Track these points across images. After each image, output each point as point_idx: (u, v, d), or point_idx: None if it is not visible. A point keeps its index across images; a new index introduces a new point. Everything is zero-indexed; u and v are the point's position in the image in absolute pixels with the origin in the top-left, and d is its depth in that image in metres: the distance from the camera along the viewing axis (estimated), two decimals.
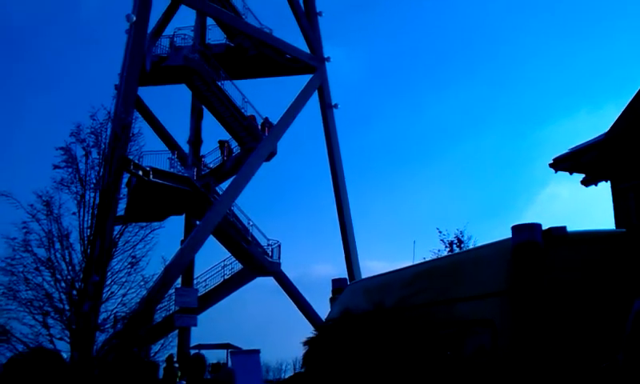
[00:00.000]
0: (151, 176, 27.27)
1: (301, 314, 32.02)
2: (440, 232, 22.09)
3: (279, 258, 32.17)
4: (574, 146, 15.91)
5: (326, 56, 35.66)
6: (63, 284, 17.92)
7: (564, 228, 3.30)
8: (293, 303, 32.44)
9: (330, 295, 5.82)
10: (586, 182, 16.16)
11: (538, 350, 2.99)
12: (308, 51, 35.12)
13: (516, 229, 3.24)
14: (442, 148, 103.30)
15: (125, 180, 23.56)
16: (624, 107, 14.69)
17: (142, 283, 19.11)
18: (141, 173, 26.49)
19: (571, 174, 16.22)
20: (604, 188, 15.86)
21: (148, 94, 33.65)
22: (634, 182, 14.87)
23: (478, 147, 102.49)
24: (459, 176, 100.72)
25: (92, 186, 19.07)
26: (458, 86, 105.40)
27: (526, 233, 3.19)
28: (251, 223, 31.66)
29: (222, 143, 33.01)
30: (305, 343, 1.06)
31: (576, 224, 3.60)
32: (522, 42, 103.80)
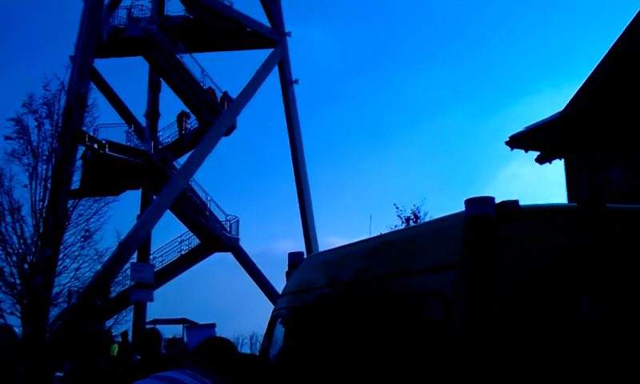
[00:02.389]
0: (107, 149, 26.82)
1: (259, 289, 32.08)
2: (397, 208, 22.28)
3: (237, 233, 32.11)
4: (529, 124, 16.15)
5: (287, 31, 35.40)
6: (14, 258, 17.57)
7: (516, 202, 3.32)
8: (251, 279, 32.47)
9: (287, 269, 5.80)
10: (540, 160, 16.44)
11: (489, 321, 3.02)
12: (269, 25, 34.82)
13: (469, 202, 3.25)
14: (407, 126, 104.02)
15: (79, 153, 23.15)
16: (579, 87, 14.95)
17: (96, 257, 18.87)
18: (96, 146, 26.03)
19: (527, 151, 16.48)
20: (558, 166, 16.17)
21: (104, 65, 32.99)
22: (586, 159, 15.18)
23: (442, 126, 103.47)
24: (422, 154, 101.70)
25: (44, 157, 18.67)
26: (427, 65, 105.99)
27: (479, 206, 3.20)
28: (209, 198, 31.49)
29: (180, 116, 32.60)
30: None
31: (534, 201, 3.64)
32: (490, 21, 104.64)
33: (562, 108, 15.05)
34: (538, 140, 15.72)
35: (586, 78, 14.59)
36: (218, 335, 21.13)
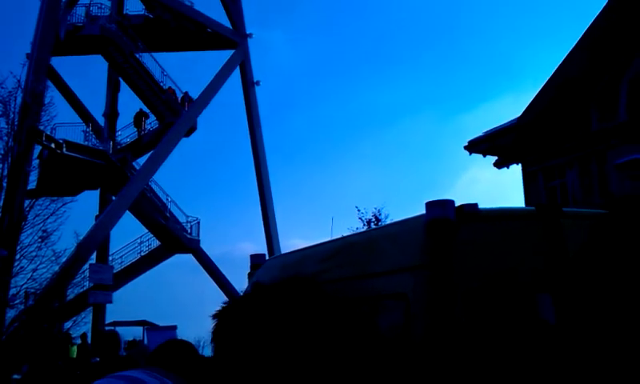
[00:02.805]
0: (64, 149, 26.34)
1: (221, 291, 31.90)
2: (359, 210, 22.46)
3: (198, 235, 31.90)
4: (487, 129, 16.44)
5: (248, 32, 35.33)
6: None
7: (476, 205, 3.39)
8: (213, 281, 32.27)
9: (249, 271, 5.82)
10: (498, 165, 16.75)
11: (448, 323, 3.09)
12: (230, 26, 34.69)
13: (429, 205, 3.31)
14: (369, 131, 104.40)
15: (36, 152, 22.74)
16: (535, 94, 15.28)
17: (54, 258, 18.64)
18: (53, 145, 25.56)
19: (485, 156, 16.77)
20: (516, 170, 16.50)
21: (62, 64, 32.47)
22: (542, 164, 15.52)
23: (404, 131, 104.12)
24: (384, 158, 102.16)
25: (0, 156, 18.31)
26: (389, 70, 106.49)
27: (439, 209, 3.26)
28: (170, 199, 31.20)
29: (139, 115, 32.22)
30: (214, 316, 1.03)
31: (493, 204, 3.72)
32: (453, 27, 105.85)
33: (520, 114, 15.37)
34: (496, 145, 16.02)
35: (542, 86, 14.93)
36: (179, 337, 21.02)
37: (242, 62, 34.87)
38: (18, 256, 17.86)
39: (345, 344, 1.12)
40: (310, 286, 1.15)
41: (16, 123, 18.92)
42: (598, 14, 13.82)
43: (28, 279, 17.97)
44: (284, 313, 1.06)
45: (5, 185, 18.08)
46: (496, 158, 16.67)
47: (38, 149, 23.33)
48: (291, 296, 1.10)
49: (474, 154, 16.52)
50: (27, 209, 18.46)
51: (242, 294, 6.06)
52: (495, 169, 16.64)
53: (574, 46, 14.16)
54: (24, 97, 19.90)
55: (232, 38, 34.24)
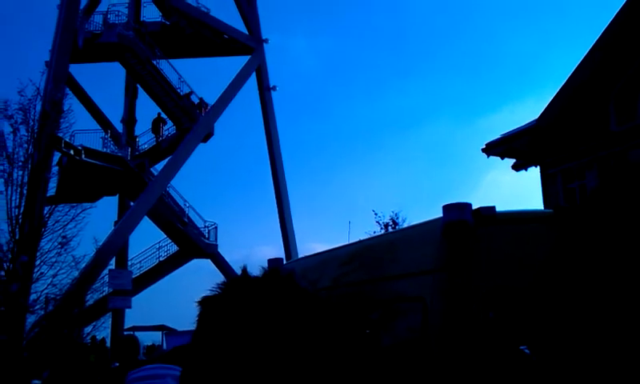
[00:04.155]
0: (83, 155, 26.60)
1: None
2: (376, 214, 22.42)
3: (216, 239, 31.99)
4: (505, 131, 16.35)
5: (264, 37, 35.44)
6: None
7: (493, 208, 3.39)
8: None
9: None
10: (516, 167, 16.65)
11: (467, 325, 3.08)
12: (247, 32, 34.82)
13: (447, 208, 3.32)
14: (387, 135, 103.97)
15: (56, 159, 22.98)
16: (554, 95, 15.19)
17: (73, 264, 18.75)
18: (72, 152, 25.82)
19: (502, 158, 16.68)
20: (535, 173, 16.40)
21: (80, 71, 32.74)
22: (561, 166, 15.42)
23: (424, 135, 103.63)
24: (402, 162, 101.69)
25: (20, 164, 18.52)
26: (409, 75, 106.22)
27: (456, 212, 3.27)
28: (187, 205, 31.33)
29: (156, 121, 32.42)
30: (199, 303, 1.01)
31: (514, 207, 3.70)
32: (474, 30, 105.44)
33: (537, 116, 15.28)
34: (514, 147, 15.92)
35: (560, 87, 14.83)
36: None
37: (259, 67, 34.97)
38: (38, 262, 18.03)
39: (328, 346, 1.11)
40: (290, 281, 1.14)
41: (36, 130, 19.10)
42: (615, 13, 13.73)
43: (48, 285, 18.14)
44: (262, 307, 1.06)
45: (25, 192, 18.26)
46: (514, 160, 16.58)
47: (57, 156, 23.56)
48: (270, 290, 1.10)
49: (492, 157, 16.42)
50: (47, 215, 18.62)
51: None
52: (514, 172, 16.55)
53: (592, 46, 14.07)
54: (43, 104, 20.10)
55: (248, 44, 34.35)
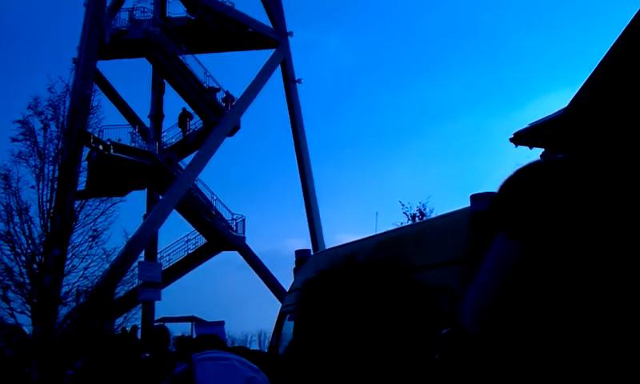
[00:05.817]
0: (112, 150, 26.95)
1: (266, 287, 32.17)
2: (403, 205, 22.34)
3: (244, 232, 32.21)
4: (534, 120, 16.19)
5: (289, 30, 35.45)
6: (23, 258, 17.66)
7: None
8: (258, 277, 32.55)
9: (294, 266, 5.87)
10: (545, 157, 16.49)
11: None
12: (271, 26, 34.87)
13: (474, 198, 3.31)
14: (415, 128, 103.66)
15: (85, 154, 23.29)
16: (583, 82, 14.99)
17: (104, 257, 18.98)
18: (101, 147, 26.17)
19: (531, 148, 16.50)
20: None
21: (108, 67, 33.11)
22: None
23: (453, 128, 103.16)
24: (430, 155, 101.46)
25: (51, 159, 18.78)
26: (437, 69, 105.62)
27: (484, 201, 3.26)
28: (215, 198, 31.59)
29: (183, 116, 32.67)
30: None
31: None
32: (504, 22, 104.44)
33: (566, 105, 15.09)
34: (542, 136, 15.75)
35: (591, 72, 14.61)
36: (226, 332, 21.28)
37: (284, 61, 35.01)
38: (69, 255, 18.30)
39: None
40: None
41: (65, 126, 19.37)
42: None
43: (79, 277, 18.40)
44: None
45: (56, 186, 18.54)
46: (542, 149, 16.41)
47: (86, 151, 23.87)
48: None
49: (520, 147, 16.27)
50: (77, 209, 18.88)
51: (289, 289, 6.10)
52: None
53: (620, 33, 13.84)
54: (72, 100, 20.37)
55: (273, 37, 34.41)
